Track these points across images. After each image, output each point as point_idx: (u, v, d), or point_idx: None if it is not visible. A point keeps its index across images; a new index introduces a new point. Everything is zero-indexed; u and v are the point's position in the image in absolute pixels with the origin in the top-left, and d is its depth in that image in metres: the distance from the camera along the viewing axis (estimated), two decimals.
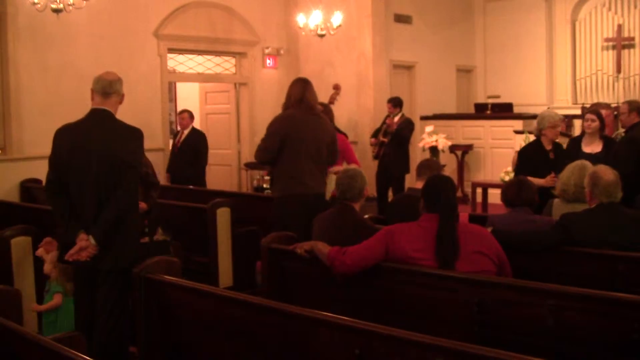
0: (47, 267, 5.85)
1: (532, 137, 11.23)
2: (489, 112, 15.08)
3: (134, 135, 5.05)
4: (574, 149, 7.59)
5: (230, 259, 7.92)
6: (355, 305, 4.67)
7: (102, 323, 4.96)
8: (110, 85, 5.05)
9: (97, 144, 4.93)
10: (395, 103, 11.98)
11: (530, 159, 7.44)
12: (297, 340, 3.87)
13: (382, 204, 11.60)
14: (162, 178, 11.78)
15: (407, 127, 11.86)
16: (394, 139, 11.68)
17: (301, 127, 6.80)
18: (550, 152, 7.31)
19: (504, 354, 3.00)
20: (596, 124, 7.59)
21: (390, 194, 11.83)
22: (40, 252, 6.00)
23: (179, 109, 15.30)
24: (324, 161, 6.91)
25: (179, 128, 11.75)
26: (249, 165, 13.28)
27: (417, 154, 14.37)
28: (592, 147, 7.54)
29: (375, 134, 12.07)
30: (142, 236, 5.85)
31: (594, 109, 7.94)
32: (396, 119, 11.87)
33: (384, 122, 11.99)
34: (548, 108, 15.13)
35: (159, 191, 6.54)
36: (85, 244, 4.86)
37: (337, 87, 11.21)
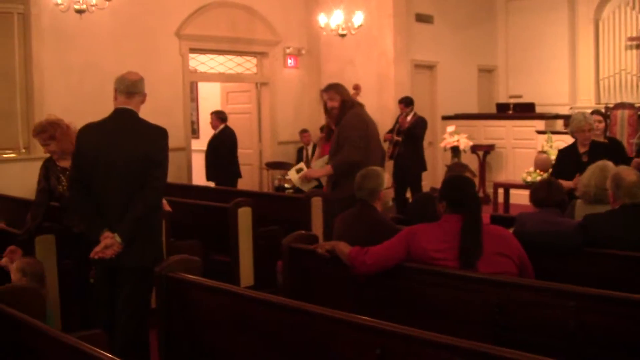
0: (14, 277, 5.42)
1: (553, 138, 11.25)
2: (510, 112, 15.03)
3: (161, 134, 5.05)
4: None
5: (252, 259, 7.93)
6: (375, 305, 4.66)
7: (123, 322, 4.97)
8: (134, 85, 5.06)
9: (124, 144, 4.95)
10: (407, 102, 12.06)
11: (562, 160, 7.44)
12: (318, 339, 3.86)
13: (401, 203, 11.62)
14: (184, 178, 11.90)
15: (419, 125, 11.93)
16: (407, 138, 11.73)
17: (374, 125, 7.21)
18: (585, 154, 7.22)
19: (524, 356, 2.99)
20: (602, 125, 7.62)
21: (408, 193, 11.85)
22: (4, 261, 5.78)
23: (201, 108, 15.47)
24: None
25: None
26: (270, 165, 13.32)
27: (439, 154, 14.37)
28: None
29: (390, 132, 12.13)
30: None
31: (598, 110, 7.92)
32: (409, 117, 11.93)
33: (396, 122, 12.06)
34: (570, 108, 15.12)
35: None
36: (110, 242, 4.88)
37: (357, 88, 11.22)
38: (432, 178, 14.19)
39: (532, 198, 5.62)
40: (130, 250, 4.92)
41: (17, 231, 6.24)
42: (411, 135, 11.81)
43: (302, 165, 7.46)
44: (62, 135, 5.88)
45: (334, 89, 7.25)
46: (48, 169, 5.94)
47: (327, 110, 7.27)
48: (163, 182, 5.02)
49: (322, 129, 12.78)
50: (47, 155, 6.11)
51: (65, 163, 5.84)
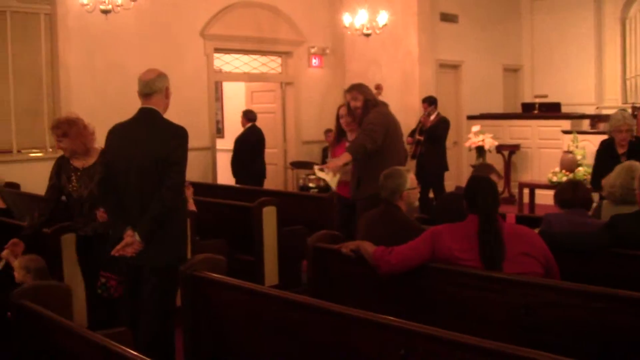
0: (18, 274, 5.37)
1: (579, 138, 11.18)
2: (536, 111, 14.95)
3: (177, 133, 5.03)
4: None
5: (276, 258, 7.94)
6: (400, 305, 4.66)
7: (146, 320, 5.01)
8: (147, 86, 5.06)
9: (140, 142, 4.98)
10: (430, 101, 12.05)
11: (599, 159, 7.38)
12: (342, 339, 3.87)
13: (423, 203, 11.60)
14: (209, 177, 11.95)
15: (441, 126, 11.92)
16: (429, 138, 11.72)
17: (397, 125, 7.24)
18: (623, 155, 7.12)
19: (549, 357, 2.98)
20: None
21: (431, 193, 11.85)
22: (5, 254, 5.61)
23: (225, 108, 15.51)
24: None
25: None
26: (295, 165, 13.33)
27: (464, 153, 14.32)
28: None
29: (411, 134, 12.11)
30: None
31: (622, 109, 7.81)
32: (432, 117, 11.93)
33: (419, 122, 12.06)
34: (597, 108, 15.04)
35: None
36: (130, 240, 4.92)
37: (379, 87, 11.23)
38: (457, 178, 14.14)
39: (557, 199, 5.59)
40: (150, 249, 4.95)
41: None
42: (433, 135, 11.81)
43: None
44: (76, 134, 5.76)
45: (357, 89, 7.24)
46: (60, 166, 5.87)
47: (351, 111, 7.26)
48: (179, 181, 5.00)
49: (327, 132, 12.85)
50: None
51: (79, 163, 5.79)
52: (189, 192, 7.39)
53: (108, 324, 5.05)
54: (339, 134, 7.67)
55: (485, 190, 4.67)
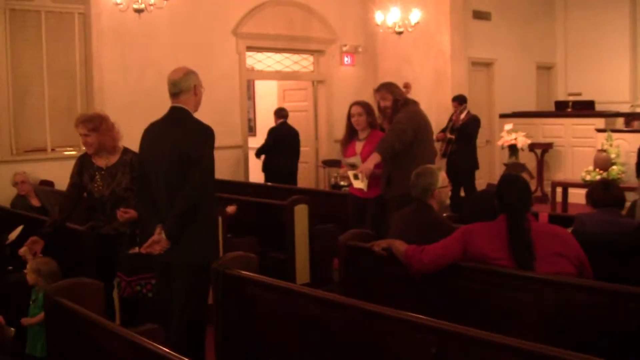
0: (30, 278, 5.26)
1: (614, 136, 11.08)
2: (569, 109, 14.85)
3: (201, 131, 5.04)
4: None
5: (308, 256, 7.95)
6: (431, 304, 4.65)
7: (177, 317, 5.04)
8: (175, 85, 5.08)
9: (168, 141, 5.01)
10: (461, 100, 12.03)
11: None
12: (373, 337, 3.87)
13: (454, 201, 11.58)
14: (241, 175, 12.00)
15: (472, 123, 11.91)
16: (460, 136, 11.70)
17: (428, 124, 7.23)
18: None
19: (582, 358, 2.96)
20: None
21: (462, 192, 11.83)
22: (23, 251, 5.59)
23: (257, 106, 15.56)
24: None
25: None
26: (327, 163, 13.34)
27: (496, 152, 14.26)
28: None
29: (443, 131, 12.11)
30: (133, 246, 5.68)
31: None
32: (462, 115, 11.92)
33: (450, 120, 12.04)
34: (631, 106, 14.89)
35: None
36: (157, 238, 4.97)
37: (407, 86, 11.21)
38: (489, 177, 14.09)
39: (589, 198, 5.56)
40: (177, 247, 4.99)
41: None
42: (464, 133, 11.80)
43: (354, 161, 7.41)
44: (106, 130, 5.79)
45: (386, 88, 7.22)
46: (83, 164, 5.88)
47: (380, 110, 7.24)
48: (202, 178, 4.96)
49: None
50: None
51: (102, 161, 5.81)
52: (231, 210, 7.48)
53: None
54: (351, 133, 7.58)
55: (514, 189, 4.64)
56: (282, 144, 11.92)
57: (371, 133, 7.43)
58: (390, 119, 7.10)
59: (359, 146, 7.41)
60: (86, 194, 5.88)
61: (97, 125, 5.74)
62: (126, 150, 5.91)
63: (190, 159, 4.90)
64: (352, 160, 7.17)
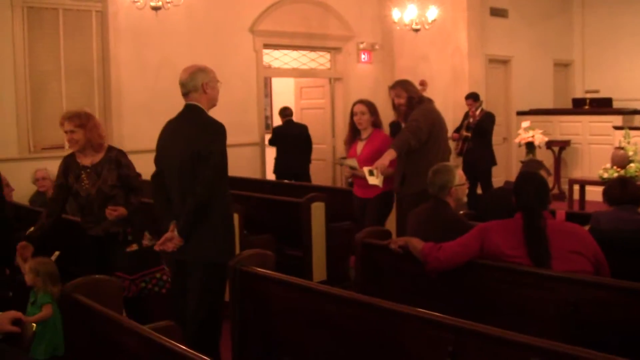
0: (29, 278, 4.93)
1: (631, 134, 11.03)
2: (587, 107, 14.77)
3: (212, 128, 5.02)
4: None
5: (324, 253, 7.95)
6: (448, 302, 4.65)
7: (191, 314, 5.05)
8: (183, 85, 5.11)
9: (180, 138, 5.04)
10: (475, 97, 11.99)
11: None
12: (390, 335, 3.87)
13: (471, 199, 11.58)
14: (257, 172, 12.01)
15: (487, 120, 11.89)
16: (476, 133, 11.68)
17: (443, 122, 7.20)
18: None
19: (599, 356, 2.95)
20: None
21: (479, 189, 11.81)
22: (18, 260, 5.39)
23: (274, 104, 15.60)
24: None
25: None
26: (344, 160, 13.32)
27: (513, 149, 14.22)
28: None
29: (457, 130, 12.10)
30: (129, 244, 5.66)
31: None
32: (477, 112, 11.87)
33: (464, 118, 12.02)
34: None
35: (140, 196, 5.85)
36: (169, 235, 5.00)
37: (423, 84, 11.20)
38: (506, 174, 14.04)
39: (606, 196, 5.54)
40: (190, 244, 5.00)
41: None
42: (480, 130, 11.78)
43: (351, 163, 7.28)
44: (93, 127, 5.65)
45: (401, 85, 7.22)
46: (68, 165, 5.75)
47: (395, 107, 7.23)
48: (212, 176, 4.93)
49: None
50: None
51: (87, 160, 5.68)
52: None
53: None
54: (354, 133, 7.55)
55: (531, 186, 4.63)
56: (285, 143, 12.00)
57: (373, 133, 7.40)
58: (405, 116, 7.09)
59: (360, 146, 7.43)
60: (72, 196, 5.76)
61: (84, 122, 5.62)
62: (111, 148, 5.82)
63: (201, 156, 4.90)
64: (349, 162, 7.18)
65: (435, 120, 7.02)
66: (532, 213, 4.49)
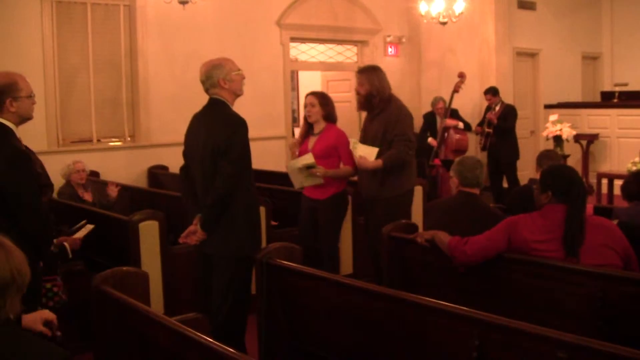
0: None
1: None
2: (616, 100, 14.64)
3: (232, 122, 5.03)
4: None
5: (351, 247, 7.95)
6: (475, 295, 4.64)
7: (217, 306, 5.09)
8: (203, 83, 5.16)
9: (202, 132, 5.09)
10: (494, 92, 11.97)
11: None
12: (417, 328, 3.87)
13: (497, 192, 11.59)
14: (284, 166, 12.01)
15: (510, 113, 11.88)
16: (499, 128, 11.67)
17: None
18: None
19: (627, 351, 2.94)
20: None
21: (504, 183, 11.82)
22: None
23: (301, 97, 15.60)
24: None
25: None
26: None
27: (541, 143, 14.14)
28: None
29: (480, 124, 12.10)
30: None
31: None
32: (497, 107, 11.86)
33: (487, 111, 12.00)
34: None
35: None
36: (192, 229, 5.07)
37: (462, 76, 11.14)
38: (532, 167, 13.94)
39: (624, 192, 5.49)
40: (214, 238, 5.05)
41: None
42: (502, 124, 11.75)
43: (310, 157, 6.57)
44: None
45: (366, 76, 6.74)
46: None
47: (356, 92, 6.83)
48: (232, 170, 4.93)
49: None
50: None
51: None
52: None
53: None
54: (308, 127, 6.91)
55: (578, 178, 4.57)
56: None
57: (326, 127, 6.81)
58: (360, 105, 6.84)
59: (312, 141, 6.82)
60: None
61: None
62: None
63: (221, 151, 4.93)
64: (303, 161, 6.56)
65: (412, 122, 6.84)
66: (581, 203, 4.43)
